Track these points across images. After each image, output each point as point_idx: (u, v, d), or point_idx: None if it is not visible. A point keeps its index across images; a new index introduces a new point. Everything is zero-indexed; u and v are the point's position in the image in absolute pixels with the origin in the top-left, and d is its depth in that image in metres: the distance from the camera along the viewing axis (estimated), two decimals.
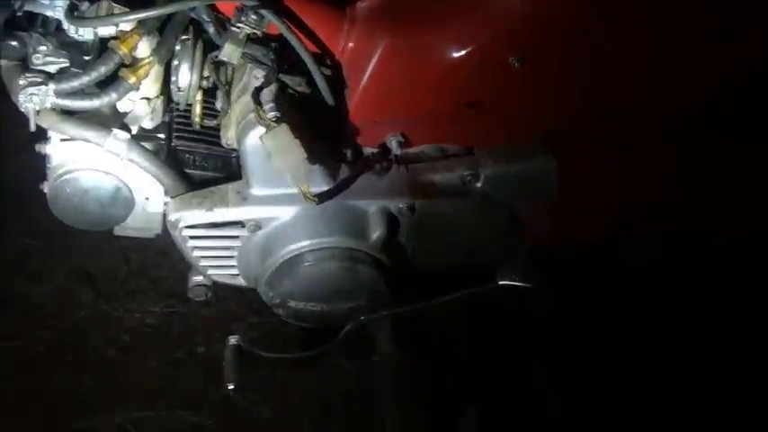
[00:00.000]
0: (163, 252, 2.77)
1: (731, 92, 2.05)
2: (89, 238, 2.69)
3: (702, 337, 2.58)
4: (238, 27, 1.77)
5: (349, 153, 1.98)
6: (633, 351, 2.57)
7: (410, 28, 1.88)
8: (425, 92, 1.92)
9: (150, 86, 1.90)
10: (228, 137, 1.95)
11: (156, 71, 1.87)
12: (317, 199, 1.83)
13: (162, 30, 1.83)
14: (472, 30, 1.84)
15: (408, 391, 2.13)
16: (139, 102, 1.93)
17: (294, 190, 1.84)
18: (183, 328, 2.68)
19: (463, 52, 1.85)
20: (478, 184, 2.03)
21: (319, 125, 1.86)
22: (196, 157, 2.01)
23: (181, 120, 2.01)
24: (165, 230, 2.07)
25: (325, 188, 1.89)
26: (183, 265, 2.43)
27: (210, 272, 2.09)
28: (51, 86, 1.78)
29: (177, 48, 1.86)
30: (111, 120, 1.93)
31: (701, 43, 1.92)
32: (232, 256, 2.03)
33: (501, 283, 2.04)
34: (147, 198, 2.01)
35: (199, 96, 1.93)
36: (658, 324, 2.61)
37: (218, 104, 1.94)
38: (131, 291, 2.75)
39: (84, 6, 1.79)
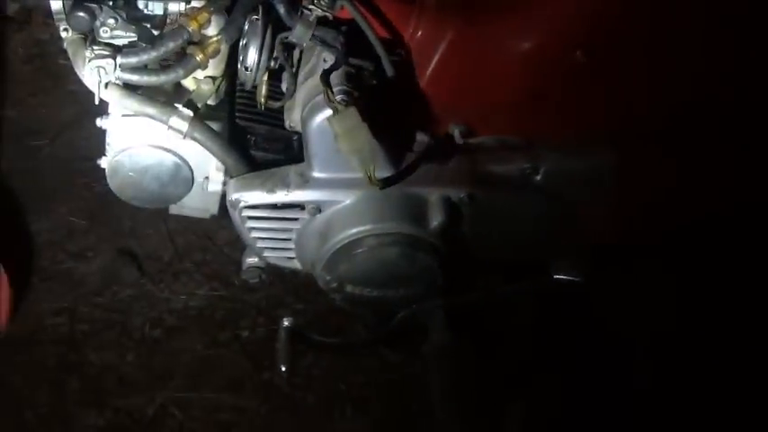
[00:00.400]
0: (208, 236, 2.79)
1: None
2: (135, 219, 2.71)
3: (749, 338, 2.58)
4: (310, 9, 1.77)
5: (413, 140, 1.98)
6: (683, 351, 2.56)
7: (479, 17, 1.87)
8: (491, 82, 1.92)
9: (217, 65, 1.90)
10: (293, 119, 1.95)
11: (222, 50, 1.87)
12: (380, 183, 1.83)
13: (231, 8, 1.83)
14: (540, 21, 1.85)
15: (457, 381, 2.13)
16: (204, 80, 1.93)
17: (356, 174, 1.82)
18: (227, 311, 2.70)
19: (531, 44, 1.85)
20: (538, 178, 2.03)
21: (385, 111, 1.86)
22: (258, 138, 2.01)
23: (244, 100, 2.01)
24: (221, 213, 2.08)
25: (388, 174, 1.89)
26: (228, 249, 2.45)
27: (267, 254, 2.08)
28: (118, 60, 1.78)
29: (246, 27, 1.86)
30: (175, 97, 1.93)
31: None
32: (290, 239, 2.03)
33: (555, 277, 2.04)
34: (207, 177, 2.01)
35: (265, 77, 1.92)
36: (709, 325, 2.60)
37: (284, 86, 1.93)
38: (176, 272, 2.77)
39: None
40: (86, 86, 1.81)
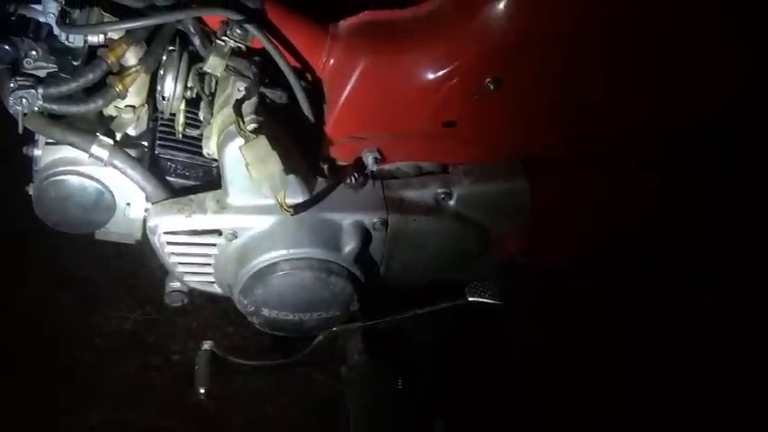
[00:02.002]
0: (141, 260, 2.80)
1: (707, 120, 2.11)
2: (69, 243, 2.72)
3: (677, 354, 2.62)
4: (223, 40, 1.81)
5: (325, 167, 2.03)
6: (601, 371, 2.60)
7: (390, 47, 1.92)
8: (403, 110, 1.97)
9: (136, 95, 1.95)
10: (210, 147, 1.98)
11: (142, 80, 1.92)
12: (292, 210, 1.88)
13: (150, 40, 1.87)
14: (450, 51, 1.89)
15: (376, 403, 2.15)
16: (125, 109, 1.98)
17: (271, 201, 1.88)
18: (158, 335, 2.70)
19: (440, 73, 1.90)
20: (452, 203, 2.08)
21: (297, 138, 1.91)
22: (178, 166, 2.05)
23: (164, 128, 2.05)
24: (145, 238, 2.11)
25: (300, 200, 1.94)
26: (160, 273, 2.46)
27: (187, 278, 2.13)
28: (40, 90, 1.82)
29: (164, 58, 1.90)
30: (97, 126, 1.97)
31: (682, 72, 1.98)
32: (209, 264, 2.07)
33: (471, 299, 2.08)
34: (129, 204, 2.05)
35: (182, 106, 1.96)
36: (628, 344, 2.64)
37: (201, 115, 1.98)
38: (109, 297, 2.78)
39: (76, 14, 1.83)
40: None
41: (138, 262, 2.81)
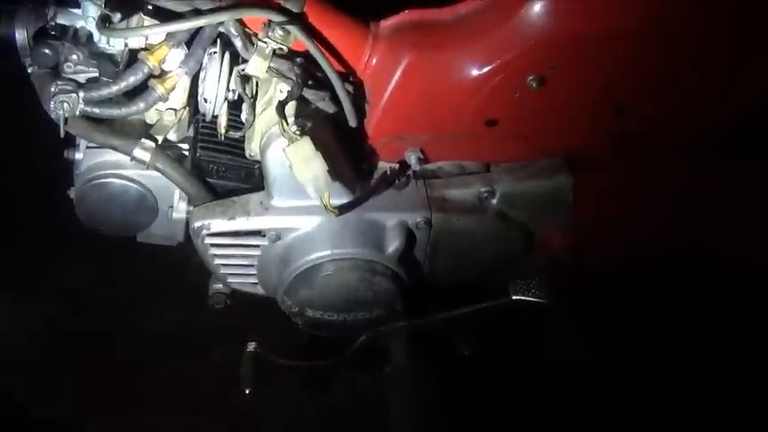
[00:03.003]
0: (181, 262, 2.80)
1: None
2: (110, 245, 2.72)
3: (713, 354, 2.60)
4: (265, 42, 1.81)
5: (369, 167, 2.03)
6: (644, 371, 2.58)
7: (432, 46, 1.92)
8: (445, 109, 1.96)
9: (177, 97, 1.93)
10: (252, 148, 1.98)
11: (183, 83, 1.91)
12: (336, 210, 1.87)
13: (190, 42, 1.87)
14: (492, 49, 1.88)
15: (418, 404, 2.15)
16: (166, 112, 1.97)
17: (314, 202, 1.87)
18: (199, 336, 2.72)
19: (483, 71, 1.89)
20: (494, 201, 2.07)
21: (341, 139, 1.91)
22: (220, 168, 2.04)
23: (206, 131, 2.04)
24: (186, 240, 2.11)
25: (345, 200, 1.92)
26: (201, 275, 2.47)
27: (230, 280, 2.13)
28: (81, 95, 1.82)
29: (205, 60, 1.90)
30: (138, 129, 1.97)
31: (724, 68, 1.97)
32: (252, 265, 2.07)
33: (514, 298, 2.07)
34: (171, 206, 2.06)
35: (224, 108, 1.96)
36: (670, 343, 2.62)
37: (244, 116, 1.97)
38: (150, 298, 2.79)
39: (116, 18, 1.83)
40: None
41: (178, 262, 2.81)
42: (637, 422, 2.54)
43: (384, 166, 2.04)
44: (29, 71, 1.87)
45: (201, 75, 1.91)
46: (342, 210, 1.89)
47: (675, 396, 2.57)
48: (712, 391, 2.56)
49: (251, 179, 2.05)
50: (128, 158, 1.94)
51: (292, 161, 1.76)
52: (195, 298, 2.67)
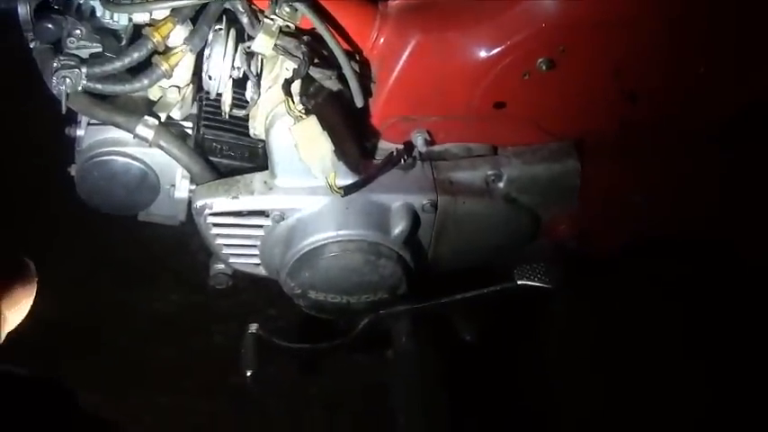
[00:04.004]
0: (182, 242, 2.79)
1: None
2: (109, 225, 2.71)
3: (721, 349, 2.58)
4: (272, 19, 1.78)
5: (375, 148, 2.01)
6: (648, 362, 2.57)
7: (441, 26, 1.89)
8: (453, 90, 1.93)
9: (181, 74, 1.91)
10: (256, 127, 1.96)
11: (187, 59, 1.88)
12: (342, 191, 1.85)
13: (195, 19, 1.84)
14: (502, 31, 1.86)
15: (421, 387, 2.14)
16: (170, 89, 1.94)
17: (319, 182, 1.86)
18: (200, 317, 2.71)
19: (492, 52, 1.87)
20: (501, 185, 2.05)
21: (346, 119, 1.88)
22: (223, 146, 2.02)
23: (209, 109, 2.03)
24: (186, 221, 2.09)
25: (350, 181, 1.90)
26: (201, 256, 2.46)
27: (232, 260, 2.10)
28: (84, 70, 1.79)
29: (210, 37, 1.87)
30: (141, 106, 1.95)
31: (734, 55, 1.95)
32: (255, 245, 2.05)
33: (520, 282, 2.05)
34: (173, 185, 2.03)
35: (229, 86, 1.93)
36: (676, 336, 2.61)
37: (248, 95, 1.94)
38: (150, 279, 2.79)
39: None
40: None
41: (178, 243, 2.80)
42: (648, 420, 2.52)
43: (389, 146, 2.02)
44: (30, 46, 1.85)
45: (206, 52, 1.88)
46: (347, 190, 1.87)
47: (688, 395, 2.54)
48: (726, 390, 2.53)
49: (254, 158, 2.04)
50: (129, 136, 1.92)
51: (298, 140, 1.75)
52: (195, 278, 2.68)
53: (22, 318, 2.14)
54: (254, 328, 2.13)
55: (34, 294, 2.13)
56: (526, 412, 2.52)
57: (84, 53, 1.83)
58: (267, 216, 1.98)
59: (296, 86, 1.81)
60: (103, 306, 2.70)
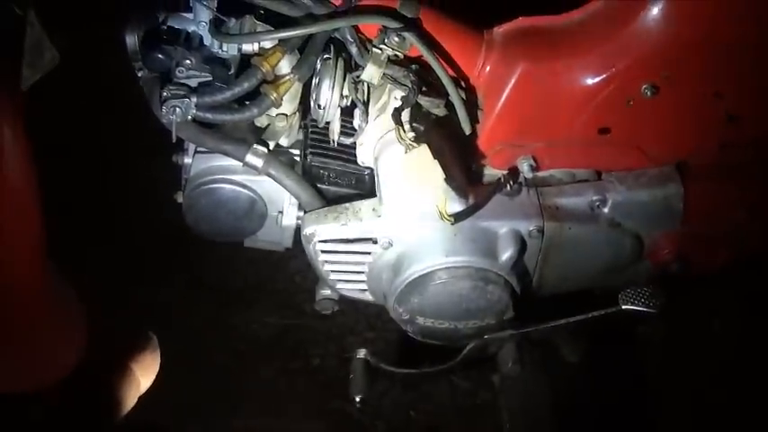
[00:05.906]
0: (278, 266, 2.82)
1: None
2: (209, 249, 2.74)
3: None
4: (381, 48, 1.81)
5: (482, 174, 2.02)
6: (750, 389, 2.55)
7: (547, 53, 1.90)
8: (558, 117, 1.94)
9: (289, 103, 1.94)
10: (364, 154, 1.98)
11: (294, 88, 1.91)
12: (452, 218, 1.86)
13: (303, 48, 1.87)
14: (607, 57, 1.86)
15: (526, 412, 2.14)
16: (277, 117, 1.97)
17: (427, 208, 1.87)
18: (298, 339, 2.73)
19: (597, 79, 1.87)
20: (606, 210, 2.05)
21: (455, 146, 1.90)
22: (331, 173, 2.04)
23: (316, 136, 2.05)
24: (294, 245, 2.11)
25: (459, 208, 1.91)
26: (299, 278, 2.48)
27: (340, 286, 2.12)
28: (194, 99, 1.82)
29: (318, 66, 1.90)
30: (247, 134, 1.97)
31: None
32: (363, 272, 2.06)
33: (624, 307, 2.04)
34: (281, 212, 2.06)
35: (338, 114, 1.96)
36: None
37: (356, 122, 1.97)
38: (248, 301, 2.80)
39: (230, 23, 1.84)
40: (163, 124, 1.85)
41: (275, 267, 2.82)
42: None
43: (493, 173, 2.03)
44: (138, 75, 1.88)
45: (315, 81, 1.91)
46: (458, 217, 1.88)
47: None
48: None
49: (361, 185, 2.05)
50: (236, 163, 1.95)
51: (409, 168, 1.76)
52: (291, 300, 2.70)
53: (150, 383, 2.20)
54: (362, 353, 2.15)
55: (159, 364, 2.19)
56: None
57: (193, 82, 1.85)
58: (375, 243, 1.99)
59: (406, 115, 1.82)
60: (202, 328, 2.72)
